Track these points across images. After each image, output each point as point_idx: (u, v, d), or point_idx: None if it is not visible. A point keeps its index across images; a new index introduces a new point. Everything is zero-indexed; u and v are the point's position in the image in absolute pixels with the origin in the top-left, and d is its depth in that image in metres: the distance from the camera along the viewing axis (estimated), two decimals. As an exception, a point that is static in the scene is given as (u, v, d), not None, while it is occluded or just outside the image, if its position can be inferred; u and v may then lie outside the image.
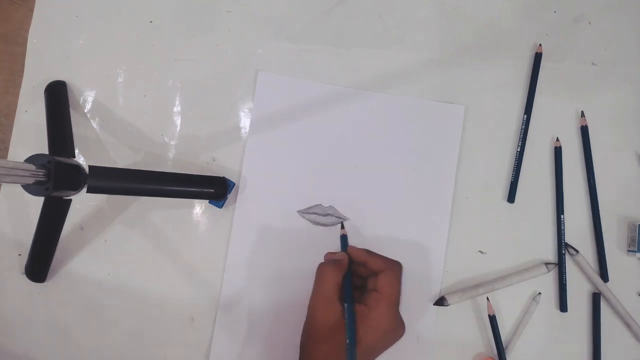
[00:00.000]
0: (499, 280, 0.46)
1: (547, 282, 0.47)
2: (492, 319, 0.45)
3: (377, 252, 0.43)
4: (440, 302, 0.46)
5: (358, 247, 0.43)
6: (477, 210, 0.48)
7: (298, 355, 0.42)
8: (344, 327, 0.38)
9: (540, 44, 0.49)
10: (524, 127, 0.48)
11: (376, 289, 0.40)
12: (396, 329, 0.40)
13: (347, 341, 0.38)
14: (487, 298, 0.46)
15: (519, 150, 0.48)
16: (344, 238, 0.44)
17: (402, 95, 0.49)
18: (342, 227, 0.45)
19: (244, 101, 0.49)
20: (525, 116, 0.48)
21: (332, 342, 0.38)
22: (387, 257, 0.42)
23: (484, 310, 0.46)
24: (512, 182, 0.48)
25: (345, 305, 0.40)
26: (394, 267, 0.41)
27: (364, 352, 0.38)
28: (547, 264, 0.47)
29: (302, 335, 0.41)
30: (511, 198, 0.48)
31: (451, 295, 0.46)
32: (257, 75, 0.49)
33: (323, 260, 0.43)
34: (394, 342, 0.41)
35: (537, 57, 0.49)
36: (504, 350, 0.45)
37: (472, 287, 0.46)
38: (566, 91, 0.49)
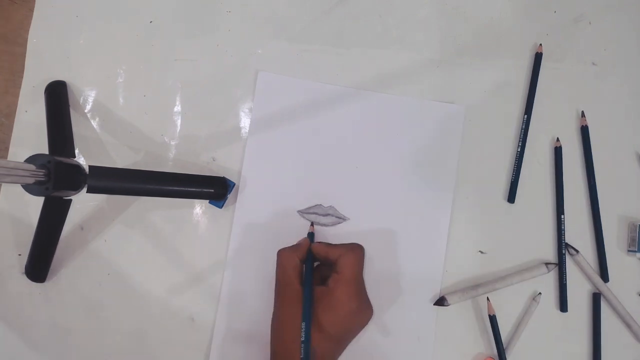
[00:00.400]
0: (499, 280, 0.46)
1: (547, 282, 0.47)
2: (493, 319, 0.45)
3: (375, 250, 0.43)
4: (441, 302, 0.46)
5: (323, 241, 0.44)
6: (477, 210, 0.48)
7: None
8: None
9: (540, 44, 0.49)
10: (524, 127, 0.48)
11: (336, 271, 0.40)
12: (360, 310, 0.40)
13: (303, 322, 0.38)
14: (487, 298, 0.46)
15: (519, 150, 0.48)
16: (311, 235, 0.45)
17: (402, 96, 0.49)
18: (312, 224, 0.46)
19: (244, 101, 0.49)
20: (526, 116, 0.48)
21: (296, 323, 0.38)
22: (347, 244, 0.43)
23: (484, 310, 0.46)
24: (512, 182, 0.48)
25: (303, 288, 0.40)
26: (354, 249, 0.42)
27: (326, 332, 0.38)
28: (547, 264, 0.47)
29: (271, 322, 0.41)
30: (511, 198, 0.48)
31: (451, 295, 0.46)
32: (257, 75, 0.49)
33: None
34: (362, 326, 0.41)
35: (538, 57, 0.49)
36: (504, 350, 0.45)
37: (472, 287, 0.46)
38: (566, 91, 0.49)
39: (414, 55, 0.49)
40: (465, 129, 0.49)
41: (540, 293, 0.47)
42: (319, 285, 0.41)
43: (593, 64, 0.49)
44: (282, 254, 0.42)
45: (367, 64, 0.49)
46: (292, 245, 0.43)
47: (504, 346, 0.46)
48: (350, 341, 0.41)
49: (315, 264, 0.45)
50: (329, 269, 0.43)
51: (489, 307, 0.45)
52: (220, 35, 0.50)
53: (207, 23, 0.50)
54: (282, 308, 0.40)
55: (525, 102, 0.49)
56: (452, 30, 0.50)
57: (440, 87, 0.49)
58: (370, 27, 0.50)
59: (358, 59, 0.49)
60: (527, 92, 0.49)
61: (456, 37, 0.50)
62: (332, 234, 0.47)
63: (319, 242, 0.44)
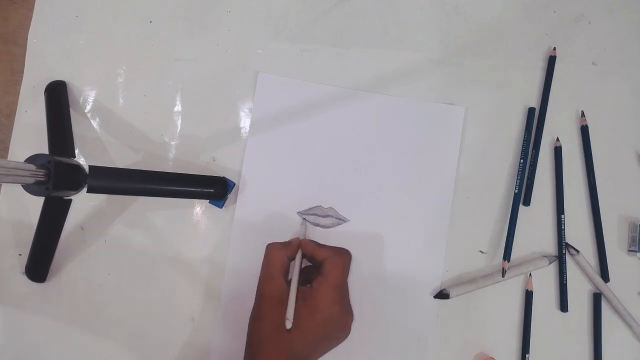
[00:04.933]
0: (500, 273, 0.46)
1: (548, 282, 0.47)
2: (529, 295, 0.46)
3: (375, 252, 0.43)
4: (441, 295, 0.46)
5: (313, 240, 0.44)
6: (478, 211, 0.48)
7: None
8: (285, 304, 0.39)
9: (554, 48, 0.49)
10: (527, 132, 0.48)
11: (321, 273, 0.40)
12: (341, 315, 0.40)
13: (286, 314, 0.38)
14: (530, 274, 0.46)
15: (527, 151, 0.48)
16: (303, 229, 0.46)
17: (402, 97, 0.49)
18: (303, 219, 0.47)
19: (244, 101, 0.49)
20: (537, 119, 0.48)
21: (274, 318, 0.38)
22: (335, 247, 0.43)
23: (484, 309, 0.46)
24: (517, 182, 0.48)
25: (287, 284, 0.40)
26: (342, 254, 0.42)
27: (304, 333, 0.38)
28: (547, 256, 0.47)
29: (251, 313, 0.41)
30: (527, 201, 0.47)
31: (452, 288, 0.46)
32: (257, 76, 0.49)
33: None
34: (342, 330, 0.40)
35: (551, 60, 0.49)
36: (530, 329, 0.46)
37: (473, 280, 0.46)
38: (566, 91, 0.49)
39: (414, 55, 0.49)
40: (465, 128, 0.49)
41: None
42: (302, 286, 0.41)
43: (593, 63, 0.49)
44: (271, 248, 0.42)
45: (367, 64, 0.49)
46: (283, 242, 0.43)
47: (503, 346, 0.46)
48: (326, 351, 0.40)
49: (304, 265, 0.45)
50: (316, 271, 0.42)
51: (529, 282, 0.46)
52: (220, 35, 0.50)
53: (207, 23, 0.50)
54: (263, 302, 0.40)
55: (526, 102, 0.49)
56: (452, 30, 0.50)
57: (440, 87, 0.49)
58: (370, 27, 0.50)
59: (358, 59, 0.49)
60: (527, 92, 0.49)
61: (456, 37, 0.50)
62: (332, 235, 0.47)
63: (310, 240, 0.43)
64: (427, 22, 0.50)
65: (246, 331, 0.47)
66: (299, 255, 0.43)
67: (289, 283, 0.41)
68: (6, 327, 0.47)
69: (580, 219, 0.48)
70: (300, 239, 0.44)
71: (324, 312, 0.39)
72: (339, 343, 0.41)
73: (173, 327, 0.47)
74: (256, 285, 0.47)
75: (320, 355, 0.40)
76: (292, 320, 0.38)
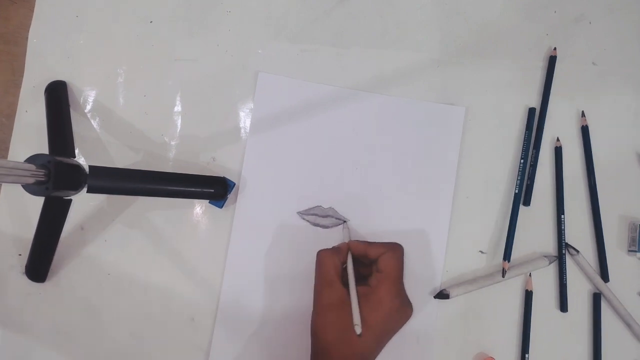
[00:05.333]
0: (500, 273, 0.46)
1: (548, 282, 0.47)
2: (529, 295, 0.46)
3: None
4: (441, 295, 0.46)
5: (360, 240, 0.44)
6: (478, 211, 0.48)
7: (297, 353, 0.41)
8: (348, 307, 0.39)
9: (555, 48, 0.49)
10: (528, 132, 0.48)
11: (378, 270, 0.41)
12: (402, 308, 0.40)
13: (354, 320, 0.38)
14: (530, 274, 0.46)
15: (530, 151, 0.48)
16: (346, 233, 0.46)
17: (403, 97, 0.49)
18: (345, 226, 0.47)
19: (244, 101, 0.49)
20: (537, 119, 0.48)
21: (339, 324, 0.38)
22: (387, 242, 0.43)
23: (484, 309, 0.46)
24: (517, 182, 0.48)
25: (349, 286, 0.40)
26: (394, 248, 0.42)
27: (371, 331, 0.38)
28: (547, 256, 0.47)
29: (311, 321, 0.41)
30: (527, 201, 0.47)
31: (452, 288, 0.45)
32: (257, 76, 0.49)
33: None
34: (403, 323, 0.41)
35: (552, 60, 0.49)
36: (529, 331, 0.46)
37: (473, 280, 0.46)
38: (566, 91, 0.49)
39: (414, 55, 0.49)
40: (466, 129, 0.49)
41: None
42: (361, 286, 0.41)
43: (593, 63, 0.49)
44: (323, 255, 0.42)
45: (367, 64, 0.49)
46: (332, 247, 0.43)
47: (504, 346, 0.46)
48: (389, 339, 0.41)
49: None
50: (364, 266, 0.43)
51: (529, 282, 0.46)
52: (221, 35, 0.50)
53: (207, 23, 0.50)
54: (326, 309, 0.40)
55: (526, 102, 0.49)
56: (452, 30, 0.50)
57: (440, 87, 0.49)
58: (370, 27, 0.50)
59: (358, 58, 0.49)
60: (540, 93, 0.49)
61: (456, 37, 0.50)
62: (332, 236, 0.47)
63: (357, 241, 0.43)
64: (427, 22, 0.50)
65: (246, 331, 0.47)
66: (350, 258, 0.43)
67: (344, 286, 0.41)
68: (6, 327, 0.47)
69: (580, 219, 0.48)
70: (347, 241, 0.44)
71: (387, 308, 0.39)
72: (396, 332, 0.41)
73: (173, 327, 0.47)
74: (256, 285, 0.47)
75: (383, 347, 0.41)
76: (360, 325, 0.38)
